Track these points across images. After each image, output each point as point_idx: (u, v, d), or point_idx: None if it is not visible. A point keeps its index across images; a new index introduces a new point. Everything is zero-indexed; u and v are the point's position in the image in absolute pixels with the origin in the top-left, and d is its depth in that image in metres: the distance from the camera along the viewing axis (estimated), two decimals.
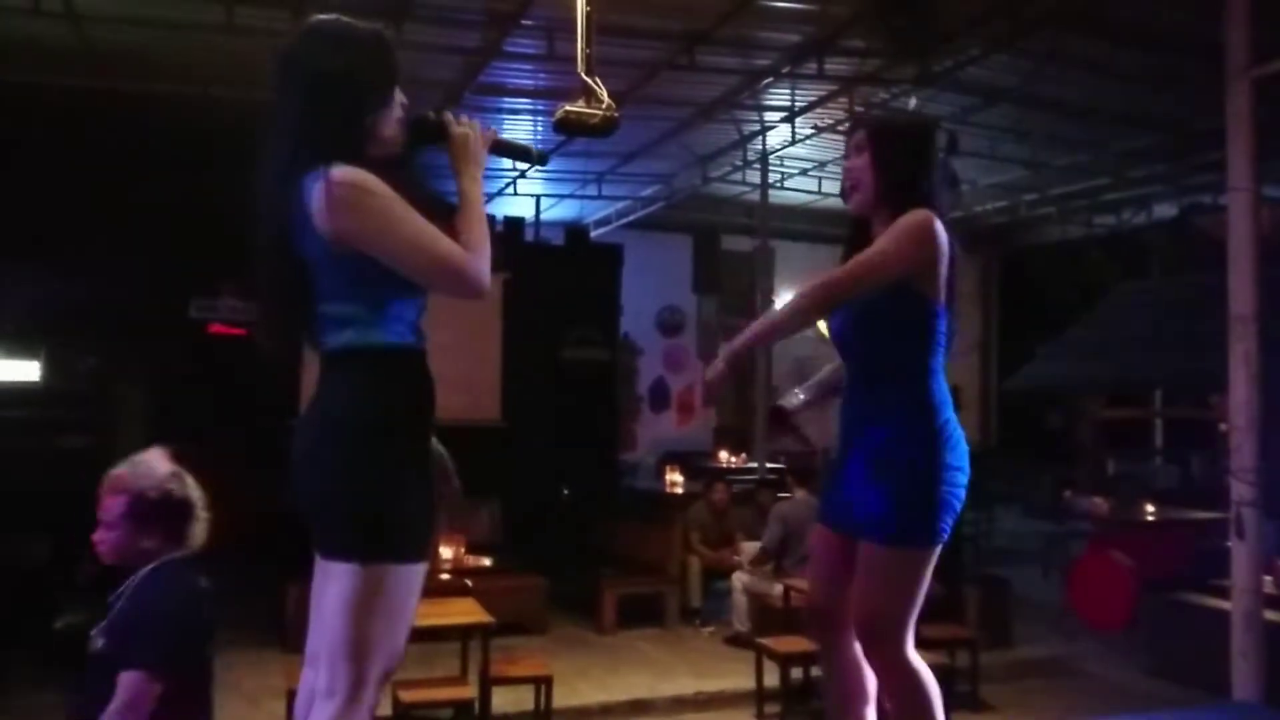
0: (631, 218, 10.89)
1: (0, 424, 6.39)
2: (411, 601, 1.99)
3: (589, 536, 7.69)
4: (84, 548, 6.21)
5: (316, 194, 1.88)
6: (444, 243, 1.94)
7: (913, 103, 7.20)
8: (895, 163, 2.50)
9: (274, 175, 1.96)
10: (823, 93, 7.27)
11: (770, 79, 7.00)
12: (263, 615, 6.64)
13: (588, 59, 4.45)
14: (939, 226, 2.40)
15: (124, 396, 7.60)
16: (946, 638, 5.37)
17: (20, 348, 6.98)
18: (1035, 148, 8.79)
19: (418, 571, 1.99)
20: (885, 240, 2.39)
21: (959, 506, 2.41)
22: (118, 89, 6.50)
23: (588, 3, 4.44)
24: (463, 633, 4.92)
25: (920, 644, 5.56)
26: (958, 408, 2.50)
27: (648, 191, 10.38)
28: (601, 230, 11.17)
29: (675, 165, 9.45)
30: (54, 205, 7.09)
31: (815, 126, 8.03)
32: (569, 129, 4.51)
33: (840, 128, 7.84)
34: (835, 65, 6.73)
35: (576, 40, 4.62)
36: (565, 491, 8.42)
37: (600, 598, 6.80)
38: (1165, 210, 10.44)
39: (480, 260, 1.97)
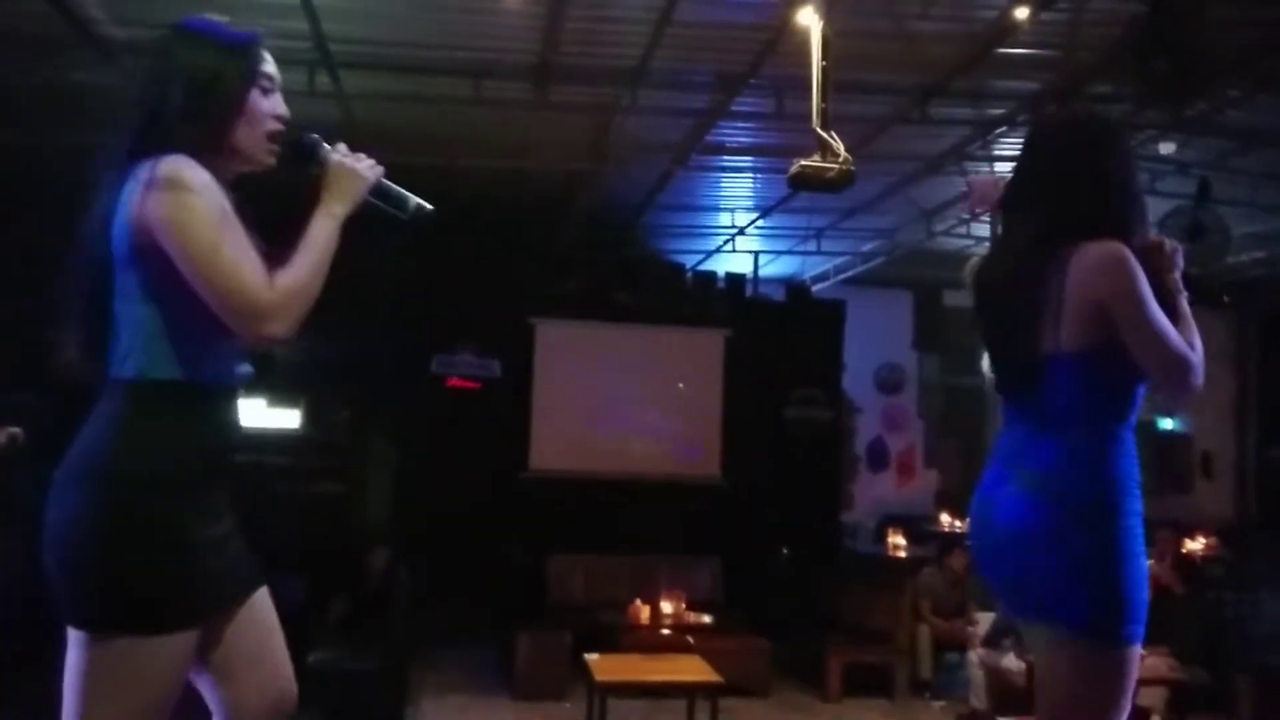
0: (850, 273, 10.71)
1: (263, 469, 6.93)
2: (169, 676, 1.72)
3: (811, 599, 7.50)
4: (335, 588, 6.58)
5: (139, 181, 1.69)
6: (248, 271, 1.69)
7: (1163, 148, 6.78)
8: None
9: (106, 172, 1.77)
10: None
11: (1004, 128, 6.75)
12: (491, 662, 6.84)
13: (824, 114, 4.42)
14: None
15: (372, 447, 8.10)
16: None
17: (284, 398, 7.57)
18: None
19: (172, 643, 1.70)
20: None
21: None
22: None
23: (824, 58, 4.43)
24: (689, 691, 4.88)
25: None
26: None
27: (868, 246, 10.19)
28: (819, 286, 11.04)
29: (898, 219, 9.23)
30: None
31: None
32: (804, 184, 4.49)
33: None
34: None
35: (808, 97, 4.60)
36: (785, 551, 8.27)
37: (826, 664, 6.59)
38: None
39: (282, 304, 1.71)
